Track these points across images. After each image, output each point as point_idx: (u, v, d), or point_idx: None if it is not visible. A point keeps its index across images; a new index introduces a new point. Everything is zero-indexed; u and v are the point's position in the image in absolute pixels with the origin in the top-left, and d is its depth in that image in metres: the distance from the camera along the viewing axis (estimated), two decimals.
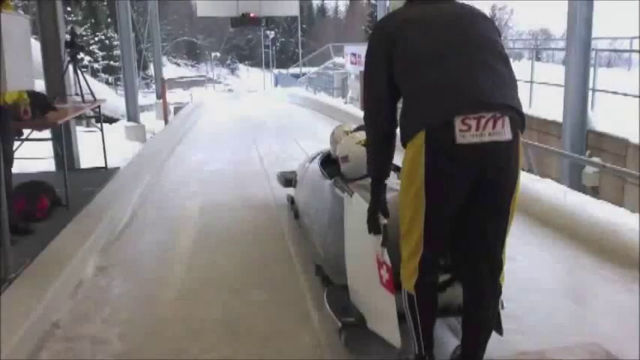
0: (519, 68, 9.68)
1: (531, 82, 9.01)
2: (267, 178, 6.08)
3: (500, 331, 2.30)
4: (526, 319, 2.77)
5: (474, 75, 1.92)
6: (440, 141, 1.88)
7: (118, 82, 24.46)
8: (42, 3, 6.27)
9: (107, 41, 34.44)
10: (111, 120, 14.14)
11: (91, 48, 32.56)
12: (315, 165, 3.88)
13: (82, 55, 8.65)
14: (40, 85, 5.50)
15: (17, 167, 4.17)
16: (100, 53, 33.83)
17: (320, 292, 2.95)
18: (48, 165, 5.95)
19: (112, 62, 32.91)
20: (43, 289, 2.97)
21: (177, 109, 14.67)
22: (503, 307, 2.32)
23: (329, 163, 3.77)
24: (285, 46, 45.23)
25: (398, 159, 2.13)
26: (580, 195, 4.74)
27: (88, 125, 8.09)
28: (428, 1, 2.12)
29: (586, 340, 2.50)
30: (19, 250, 3.39)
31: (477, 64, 1.94)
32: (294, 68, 30.06)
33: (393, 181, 2.31)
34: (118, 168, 6.17)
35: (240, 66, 45.76)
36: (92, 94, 6.01)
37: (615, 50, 15.37)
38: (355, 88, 14.77)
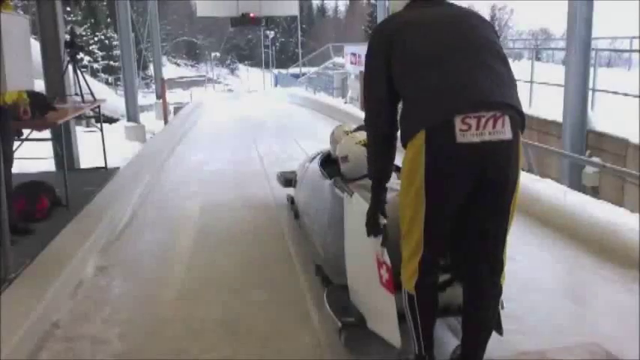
0: (519, 68, 9.73)
1: (531, 82, 9.01)
2: (267, 178, 6.08)
3: (500, 331, 2.31)
4: (526, 319, 2.77)
5: (473, 75, 1.93)
6: (440, 141, 1.88)
7: (118, 82, 24.49)
8: (41, 3, 6.27)
9: (107, 41, 34.48)
10: (111, 120, 14.15)
11: (90, 48, 32.60)
12: (315, 165, 3.88)
13: (81, 55, 8.65)
14: (39, 85, 5.50)
15: (17, 167, 4.17)
16: (100, 53, 33.87)
17: (320, 292, 2.95)
18: (48, 165, 5.95)
19: (111, 62, 32.95)
20: (43, 289, 2.97)
21: (177, 109, 14.69)
22: (503, 307, 2.33)
23: (329, 163, 3.78)
24: (284, 46, 45.27)
25: (398, 159, 2.13)
26: (580, 195, 4.74)
27: (87, 125, 8.10)
28: (427, 4, 2.13)
29: (586, 340, 2.50)
30: (19, 250, 3.39)
31: (475, 64, 1.95)
32: (293, 68, 30.09)
33: (393, 181, 2.31)
34: (118, 168, 6.17)
35: (240, 66, 45.79)
36: (92, 94, 6.01)
37: (615, 50, 15.38)
38: (355, 88, 14.80)
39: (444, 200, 1.96)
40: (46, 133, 5.34)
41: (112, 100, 16.24)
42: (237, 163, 7.20)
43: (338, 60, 22.60)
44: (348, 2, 51.23)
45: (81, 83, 5.94)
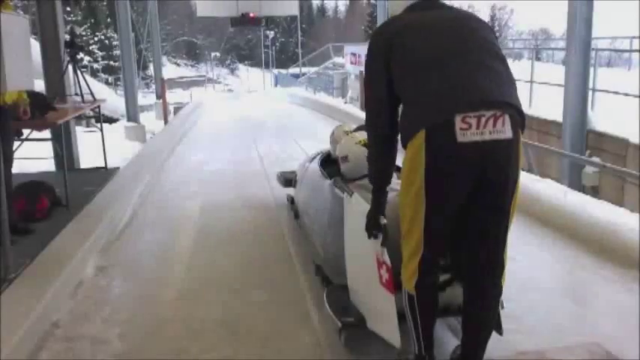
0: (519, 68, 9.74)
1: (531, 81, 9.01)
2: (267, 178, 6.08)
3: (500, 331, 2.31)
4: (526, 319, 2.77)
5: (472, 75, 1.93)
6: (440, 140, 1.88)
7: (118, 82, 24.48)
8: (41, 3, 6.26)
9: (107, 41, 34.46)
10: (111, 120, 14.15)
11: (90, 48, 32.58)
12: (315, 165, 3.88)
13: (81, 55, 8.64)
14: (39, 85, 5.50)
15: (17, 167, 4.17)
16: (100, 53, 33.85)
17: (320, 292, 2.95)
18: (48, 165, 5.95)
19: (111, 62, 32.93)
20: (43, 289, 2.97)
21: (177, 109, 14.68)
22: (503, 307, 2.33)
23: (329, 163, 3.78)
24: (284, 46, 45.26)
25: (399, 160, 2.14)
26: (580, 195, 4.74)
27: (87, 125, 8.10)
28: (427, 7, 2.13)
29: (586, 340, 2.50)
30: (19, 250, 3.39)
31: (475, 65, 1.96)
32: (293, 68, 30.10)
33: (393, 181, 2.31)
34: (118, 168, 6.17)
35: (240, 66, 45.78)
36: (92, 94, 6.02)
37: (615, 50, 15.38)
38: (355, 88, 14.80)
39: (444, 200, 1.96)
40: (46, 133, 5.34)
41: (112, 100, 16.24)
42: (237, 163, 7.21)
43: (338, 60, 22.61)
44: (348, 2, 51.24)
45: (81, 83, 5.94)
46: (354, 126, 3.96)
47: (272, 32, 34.99)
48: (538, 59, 13.48)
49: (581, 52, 6.86)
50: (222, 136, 10.03)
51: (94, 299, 3.22)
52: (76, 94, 6.01)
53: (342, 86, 18.59)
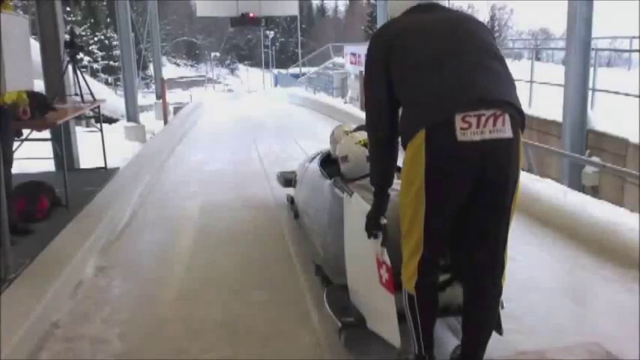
0: (519, 68, 9.74)
1: (531, 81, 9.01)
2: (267, 178, 6.08)
3: (500, 331, 2.31)
4: (526, 319, 2.77)
5: (471, 75, 1.94)
6: (440, 140, 1.88)
7: (118, 83, 24.45)
8: (41, 3, 6.26)
9: (106, 41, 34.43)
10: (110, 120, 14.15)
11: (90, 48, 32.55)
12: (315, 165, 3.88)
13: (81, 55, 8.63)
14: (39, 86, 5.50)
15: (17, 167, 4.17)
16: (100, 53, 33.82)
17: (320, 292, 2.95)
18: (48, 165, 5.95)
19: (111, 62, 32.90)
20: (43, 289, 2.97)
21: (176, 110, 14.68)
22: (503, 307, 2.33)
23: (329, 163, 3.78)
24: (284, 46, 45.24)
25: (399, 160, 2.14)
26: (580, 195, 4.74)
27: (87, 125, 8.10)
28: (426, 10, 2.14)
29: (586, 339, 2.50)
30: (18, 251, 3.39)
31: (474, 65, 1.96)
32: (293, 68, 30.09)
33: (393, 181, 2.31)
34: (118, 168, 6.17)
35: (240, 66, 45.74)
36: (92, 94, 6.02)
37: (615, 50, 15.38)
38: (355, 88, 14.79)
39: (444, 200, 1.96)
40: (46, 134, 5.34)
41: (112, 100, 16.23)
42: (237, 163, 7.21)
43: (338, 60, 22.61)
44: (347, 2, 51.22)
45: (80, 83, 5.94)
46: (354, 126, 3.96)
47: (272, 32, 34.99)
48: (538, 59, 13.48)
49: (581, 52, 6.87)
50: (222, 136, 10.03)
51: (94, 299, 3.22)
52: (76, 95, 6.01)
53: (341, 86, 18.58)
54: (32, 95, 4.38)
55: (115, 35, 23.15)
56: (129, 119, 12.29)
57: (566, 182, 6.28)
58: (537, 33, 41.01)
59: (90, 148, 6.71)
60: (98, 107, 6.05)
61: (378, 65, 2.08)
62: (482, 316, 2.10)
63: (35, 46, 5.73)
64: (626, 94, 7.05)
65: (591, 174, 6.79)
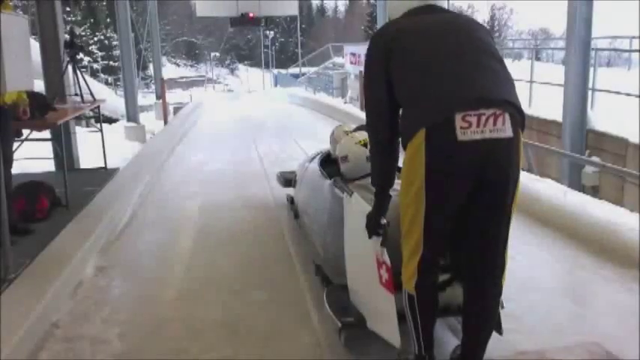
0: (519, 68, 9.72)
1: (531, 81, 9.01)
2: (267, 178, 6.08)
3: (500, 331, 2.31)
4: (526, 319, 2.77)
5: (471, 75, 1.95)
6: (440, 139, 1.88)
7: (118, 83, 24.46)
8: (41, 3, 6.26)
9: (106, 41, 34.43)
10: (110, 120, 14.15)
11: (90, 48, 32.54)
12: (315, 165, 3.88)
13: (81, 55, 8.62)
14: (39, 86, 5.50)
15: (17, 167, 4.17)
16: (100, 53, 33.81)
17: (320, 292, 2.95)
18: (48, 165, 5.95)
19: (111, 62, 32.89)
20: (42, 289, 2.97)
21: (176, 110, 14.68)
22: (503, 307, 2.32)
23: (329, 163, 3.78)
24: (284, 46, 45.24)
25: (399, 160, 2.14)
26: (580, 195, 4.74)
27: (87, 125, 8.10)
28: (425, 11, 2.14)
29: (586, 339, 2.50)
30: (18, 251, 3.39)
31: (472, 64, 1.97)
32: (293, 68, 30.09)
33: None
34: (118, 168, 6.17)
35: (240, 66, 45.74)
36: (91, 94, 6.02)
37: (615, 50, 15.37)
38: (355, 88, 14.79)
39: (444, 200, 1.96)
40: (46, 134, 5.34)
41: (112, 100, 16.24)
42: (237, 163, 7.21)
43: (338, 60, 22.61)
44: (347, 2, 51.22)
45: (80, 83, 5.94)
46: (354, 126, 3.96)
47: (272, 32, 35.02)
48: (538, 59, 13.48)
49: (580, 52, 6.87)
50: (222, 136, 10.03)
51: (94, 299, 3.22)
52: (76, 95, 6.01)
53: (341, 86, 18.57)
54: (32, 95, 4.38)
55: (115, 35, 23.12)
56: (129, 119, 12.29)
57: (566, 182, 6.28)
58: (537, 33, 41.05)
59: (90, 148, 6.71)
60: (98, 107, 6.05)
61: (378, 66, 2.09)
62: (482, 316, 2.10)
63: (35, 46, 5.73)
64: (627, 94, 7.05)
65: (591, 174, 6.79)
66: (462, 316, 2.18)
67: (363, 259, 2.35)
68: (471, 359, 2.14)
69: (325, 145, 4.25)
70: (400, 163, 2.08)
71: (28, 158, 4.95)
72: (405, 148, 2.00)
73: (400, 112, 2.08)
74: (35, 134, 4.58)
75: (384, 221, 2.16)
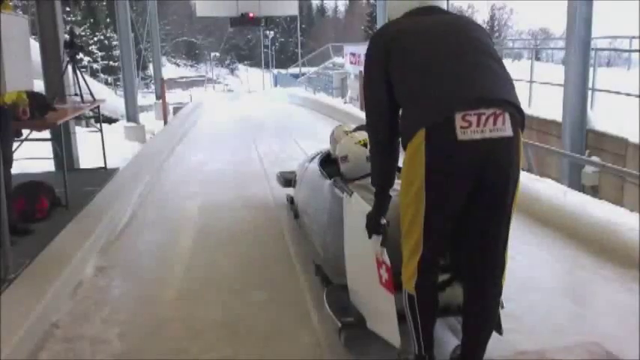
0: (519, 68, 9.71)
1: (530, 81, 9.02)
2: (267, 178, 6.08)
3: (499, 331, 2.31)
4: (526, 319, 2.77)
5: (470, 74, 1.95)
6: (440, 139, 1.88)
7: (118, 83, 24.45)
8: (41, 3, 6.27)
9: (106, 41, 34.43)
10: (110, 120, 14.15)
11: (90, 48, 32.54)
12: (315, 165, 3.88)
13: (81, 55, 8.63)
14: (39, 86, 5.50)
15: (17, 167, 4.17)
16: (99, 53, 33.81)
17: (320, 292, 2.95)
18: (48, 165, 5.95)
19: (111, 62, 32.89)
20: (42, 289, 2.97)
21: (176, 110, 14.68)
22: (503, 307, 2.32)
23: (328, 163, 3.78)
24: (284, 46, 45.25)
25: (399, 160, 2.14)
26: (580, 195, 4.73)
27: (87, 125, 8.11)
28: (425, 12, 2.15)
29: (586, 339, 2.50)
30: (18, 251, 3.39)
31: (472, 65, 1.97)
32: (293, 68, 30.09)
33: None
34: (118, 168, 6.17)
35: (240, 66, 45.75)
36: (91, 94, 6.02)
37: (615, 49, 15.37)
38: (354, 88, 14.80)
39: (444, 199, 1.96)
40: (46, 134, 5.34)
41: (112, 100, 16.24)
42: (237, 163, 7.20)
43: (337, 60, 22.62)
44: (347, 2, 51.23)
45: (80, 83, 5.94)
46: (354, 126, 3.96)
47: (272, 32, 35.03)
48: (538, 59, 13.47)
49: (580, 52, 6.86)
50: (222, 136, 10.03)
51: (94, 299, 3.22)
52: (76, 95, 6.01)
53: (341, 86, 18.58)
54: (32, 95, 4.39)
55: (115, 35, 23.14)
56: (129, 119, 12.29)
57: (566, 182, 6.28)
58: (537, 33, 41.05)
59: (90, 148, 6.71)
60: (98, 107, 6.06)
61: (378, 66, 2.09)
62: (482, 316, 2.10)
63: (35, 46, 5.73)
64: (627, 94, 7.05)
65: (591, 174, 6.78)
66: (462, 316, 2.18)
67: (363, 259, 2.35)
68: (470, 359, 2.14)
69: (325, 145, 4.25)
70: (400, 163, 2.08)
71: (28, 158, 4.95)
72: (405, 148, 2.00)
73: (400, 112, 2.09)
74: (35, 134, 4.58)
75: (383, 221, 2.16)
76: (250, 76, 31.88)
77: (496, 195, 1.96)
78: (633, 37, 12.56)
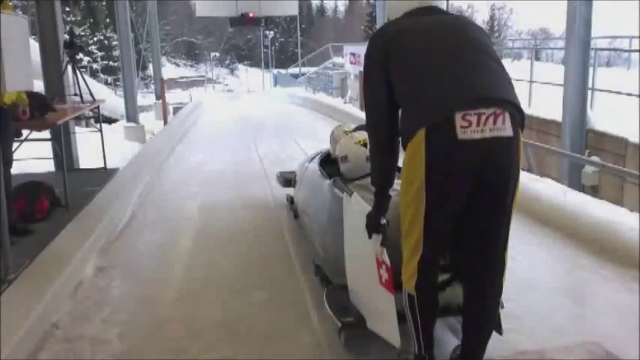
0: (519, 68, 9.70)
1: (530, 81, 9.02)
2: (267, 178, 6.08)
3: (499, 331, 2.31)
4: (526, 319, 2.77)
5: (470, 74, 1.95)
6: (440, 138, 1.88)
7: (117, 83, 24.43)
8: (40, 3, 6.27)
9: (106, 41, 34.44)
10: (110, 120, 14.15)
11: (89, 48, 32.54)
12: (315, 165, 3.88)
13: (80, 55, 8.63)
14: (39, 86, 5.49)
15: (17, 168, 4.17)
16: (99, 53, 33.80)
17: (320, 292, 2.95)
18: (48, 165, 5.95)
19: (111, 62, 32.89)
20: (42, 289, 2.97)
21: (176, 110, 14.69)
22: (503, 307, 2.32)
23: (328, 163, 3.78)
24: (284, 46, 45.25)
25: (399, 160, 2.14)
26: (580, 194, 4.73)
27: (87, 125, 8.11)
28: (424, 13, 2.15)
29: (586, 339, 2.50)
30: (18, 251, 3.39)
31: (472, 65, 1.98)
32: (293, 68, 30.12)
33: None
34: (118, 168, 6.17)
35: (240, 66, 45.75)
36: (91, 94, 6.02)
37: (615, 49, 15.38)
38: (354, 88, 14.79)
39: (444, 199, 1.96)
40: (46, 134, 5.34)
41: (112, 100, 16.23)
42: (237, 164, 7.21)
43: (337, 60, 22.62)
44: (347, 2, 51.23)
45: (80, 84, 5.94)
46: (354, 126, 3.96)
47: (271, 32, 35.03)
48: (537, 59, 13.47)
49: (580, 52, 6.86)
50: (222, 136, 10.03)
51: (94, 299, 3.22)
52: (76, 95, 6.01)
53: (341, 86, 18.58)
54: (32, 95, 4.38)
55: (115, 35, 23.15)
56: (128, 119, 12.29)
57: (565, 182, 6.27)
58: (537, 33, 41.05)
59: (90, 149, 6.71)
60: (98, 107, 6.06)
61: (377, 66, 2.09)
62: (482, 316, 2.10)
63: (35, 46, 5.73)
64: (628, 94, 7.05)
65: (591, 174, 6.78)
66: (462, 316, 2.18)
67: (362, 259, 2.35)
68: (470, 359, 2.14)
69: (325, 145, 4.24)
70: (400, 163, 2.08)
71: (27, 158, 4.95)
72: (404, 148, 2.00)
73: (400, 112, 2.09)
74: (35, 134, 4.58)
75: (383, 221, 2.16)
76: (250, 76, 31.87)
77: (496, 195, 1.96)
78: (633, 37, 12.58)
